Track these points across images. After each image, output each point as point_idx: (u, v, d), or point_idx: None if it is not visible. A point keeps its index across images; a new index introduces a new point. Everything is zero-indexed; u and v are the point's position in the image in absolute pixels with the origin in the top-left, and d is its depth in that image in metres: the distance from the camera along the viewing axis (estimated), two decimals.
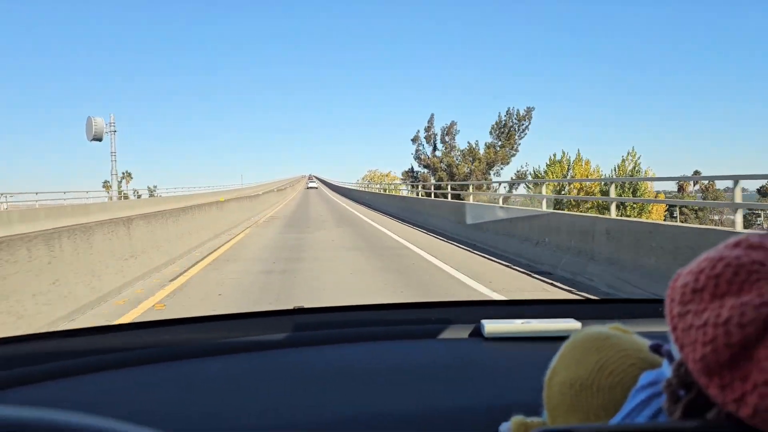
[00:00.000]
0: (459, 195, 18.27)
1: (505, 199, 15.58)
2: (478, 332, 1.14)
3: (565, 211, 10.83)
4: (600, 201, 17.38)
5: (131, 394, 0.90)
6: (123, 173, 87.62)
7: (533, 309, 1.33)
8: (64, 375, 0.94)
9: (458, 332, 1.15)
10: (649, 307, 1.31)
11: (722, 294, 0.43)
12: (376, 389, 0.90)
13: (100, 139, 35.18)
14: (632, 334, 0.63)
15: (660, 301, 1.41)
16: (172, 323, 1.17)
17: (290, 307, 1.33)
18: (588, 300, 1.56)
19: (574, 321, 1.12)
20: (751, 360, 0.40)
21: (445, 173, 33.92)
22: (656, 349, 0.54)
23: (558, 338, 1.09)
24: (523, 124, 32.73)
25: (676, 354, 0.47)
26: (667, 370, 0.50)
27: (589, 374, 0.58)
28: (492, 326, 1.10)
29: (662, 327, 1.17)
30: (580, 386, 0.58)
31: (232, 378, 0.96)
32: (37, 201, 26.62)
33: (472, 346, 1.09)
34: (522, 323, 1.11)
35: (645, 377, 0.53)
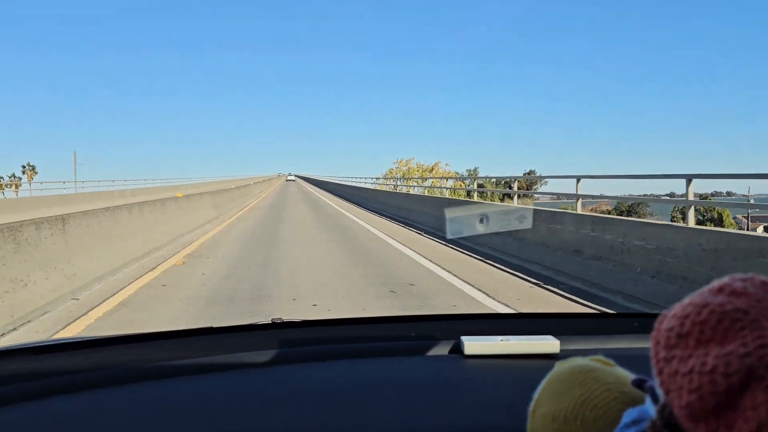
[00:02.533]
0: None
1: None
2: (458, 348, 1.14)
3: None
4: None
5: (88, 420, 0.85)
6: (24, 166, 77.40)
7: (512, 323, 1.34)
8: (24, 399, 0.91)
9: (438, 349, 1.16)
10: (625, 323, 1.32)
11: (707, 341, 0.43)
12: (356, 410, 0.90)
13: None
14: (615, 366, 0.63)
15: (638, 316, 1.43)
16: (130, 340, 1.12)
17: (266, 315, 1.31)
18: (568, 314, 1.58)
19: (553, 339, 1.13)
20: (736, 408, 0.40)
21: None
22: (639, 384, 0.55)
23: (537, 356, 1.11)
24: None
25: (660, 394, 0.47)
26: (650, 407, 0.51)
27: (573, 407, 0.58)
28: (471, 344, 1.11)
29: (638, 343, 1.20)
30: (563, 419, 0.58)
31: (202, 401, 0.93)
32: None
33: (452, 364, 1.09)
34: (501, 341, 1.12)
35: (629, 414, 0.53)
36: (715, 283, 0.47)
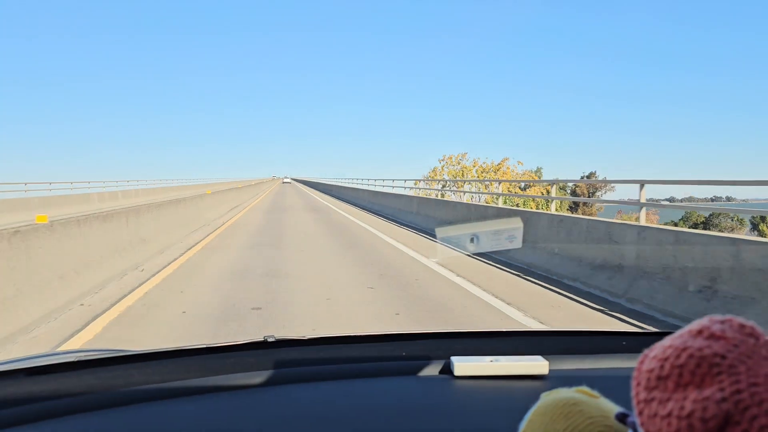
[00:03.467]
0: None
1: None
2: (448, 369, 1.15)
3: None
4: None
5: None
6: None
7: (502, 341, 1.35)
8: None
9: (429, 369, 1.17)
10: (613, 341, 1.34)
11: (686, 384, 0.44)
12: None
13: None
14: (599, 398, 0.64)
15: (625, 335, 1.44)
16: (118, 362, 1.11)
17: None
18: (556, 332, 1.59)
19: (541, 359, 1.14)
20: None
21: None
22: (622, 418, 0.56)
23: (527, 377, 1.12)
24: None
25: (640, 431, 0.49)
26: None
27: None
28: (461, 365, 1.12)
29: (626, 363, 1.21)
30: None
31: (194, 423, 0.93)
32: None
33: (442, 386, 1.10)
34: (491, 361, 1.13)
35: None
36: (694, 326, 0.48)
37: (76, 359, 1.11)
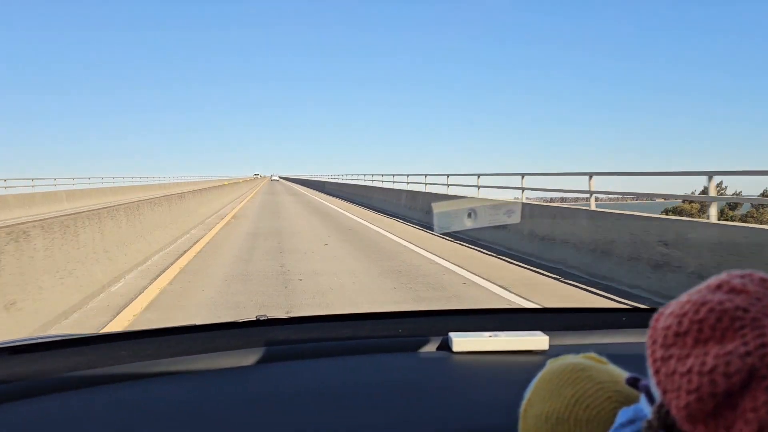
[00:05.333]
0: None
1: None
2: (446, 345, 1.13)
3: None
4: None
5: (63, 424, 0.82)
6: None
7: (501, 318, 1.32)
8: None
9: (427, 345, 1.14)
10: (613, 317, 1.32)
11: (706, 339, 0.42)
12: (344, 409, 0.88)
13: None
14: (608, 364, 0.62)
15: (624, 311, 1.42)
16: (108, 339, 1.08)
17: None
18: (556, 309, 1.57)
19: (541, 334, 1.12)
20: (735, 409, 0.39)
21: None
22: (633, 383, 0.53)
23: (526, 352, 1.10)
24: None
25: (656, 393, 0.46)
26: (645, 407, 0.49)
27: (566, 407, 0.57)
28: (460, 341, 1.09)
29: (627, 338, 1.19)
30: (556, 419, 0.57)
31: (184, 402, 0.90)
32: None
33: (440, 362, 1.08)
34: (489, 337, 1.10)
35: (623, 414, 0.52)
36: (713, 280, 0.46)
37: (63, 338, 1.08)
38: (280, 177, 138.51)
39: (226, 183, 28.68)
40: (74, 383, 0.95)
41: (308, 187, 54.99)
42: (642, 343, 0.48)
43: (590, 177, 9.10)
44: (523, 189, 11.41)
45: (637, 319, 1.28)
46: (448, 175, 16.41)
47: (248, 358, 1.07)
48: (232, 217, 16.48)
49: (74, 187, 33.48)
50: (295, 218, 16.45)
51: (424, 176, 18.40)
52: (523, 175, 11.50)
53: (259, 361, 1.07)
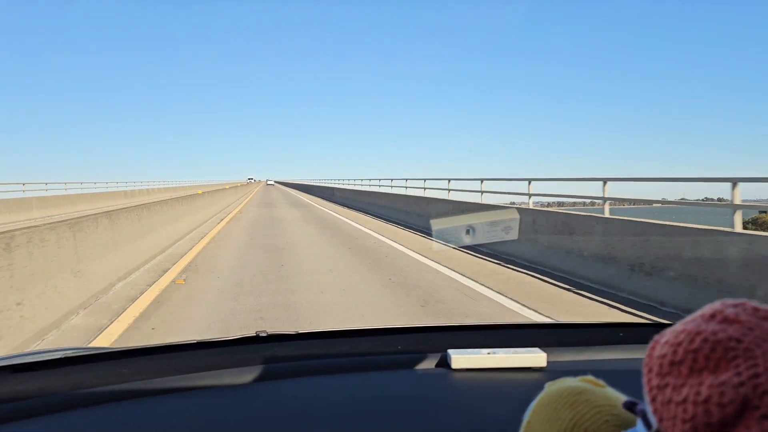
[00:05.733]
0: None
1: None
2: (445, 362, 1.13)
3: None
4: None
5: None
6: None
7: (499, 334, 1.33)
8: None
9: (426, 362, 1.15)
10: (610, 333, 1.33)
11: (701, 369, 0.43)
12: (343, 428, 0.89)
13: None
14: (605, 387, 0.63)
15: (622, 326, 1.43)
16: (107, 357, 1.08)
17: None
18: (553, 324, 1.58)
19: (539, 351, 1.13)
20: None
21: None
22: (630, 407, 0.54)
23: (524, 369, 1.11)
24: None
25: (652, 419, 0.47)
26: (641, 431, 0.50)
27: (564, 431, 0.58)
28: (458, 358, 1.10)
29: (624, 354, 1.20)
30: None
31: (185, 420, 0.91)
32: None
33: (439, 379, 1.08)
34: (488, 354, 1.11)
35: None
36: (707, 309, 0.47)
37: (63, 356, 1.08)
38: (275, 182, 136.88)
39: (199, 192, 20.87)
40: (76, 402, 0.95)
41: (311, 194, 46.99)
42: (640, 359, 0.49)
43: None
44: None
45: (635, 334, 1.29)
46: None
47: (248, 375, 1.08)
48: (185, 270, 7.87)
49: (40, 193, 28.93)
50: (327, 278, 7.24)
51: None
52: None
53: (259, 379, 1.08)
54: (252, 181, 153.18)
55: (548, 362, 1.12)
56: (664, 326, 0.49)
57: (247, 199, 35.29)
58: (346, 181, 38.04)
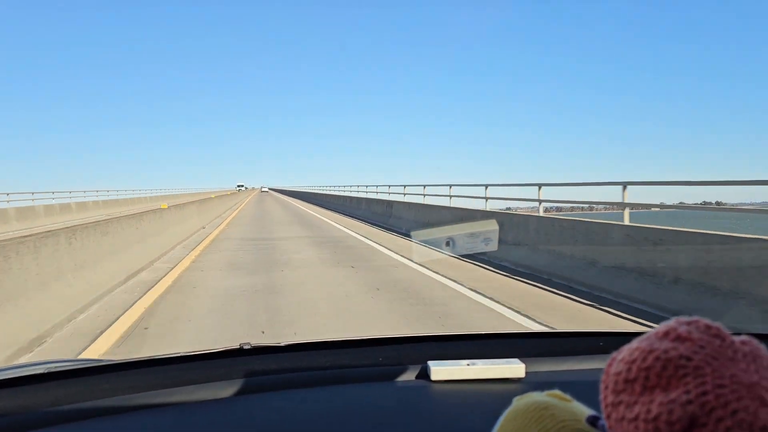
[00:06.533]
0: None
1: None
2: (425, 373, 1.14)
3: None
4: None
5: None
6: None
7: (479, 344, 1.34)
8: None
9: (406, 374, 1.16)
10: (589, 342, 1.34)
11: (652, 387, 0.44)
12: None
13: None
14: (571, 402, 0.64)
15: (602, 335, 1.44)
16: (80, 374, 1.07)
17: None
18: (534, 334, 1.60)
19: (518, 362, 1.14)
20: None
21: None
22: (593, 421, 0.55)
23: (503, 380, 1.11)
24: None
25: None
26: None
27: None
28: (438, 369, 1.11)
29: (603, 363, 1.20)
30: None
31: None
32: None
33: (419, 391, 1.09)
34: (467, 365, 1.12)
35: None
36: (662, 327, 0.48)
37: (45, 371, 1.08)
38: (270, 189, 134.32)
39: (163, 206, 14.50)
40: (56, 418, 0.95)
41: (310, 202, 40.43)
42: None
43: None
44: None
45: (615, 343, 1.30)
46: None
47: (229, 389, 1.08)
48: None
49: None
50: None
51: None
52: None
53: (240, 392, 1.08)
54: (242, 188, 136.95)
55: (527, 373, 1.13)
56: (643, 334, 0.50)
57: (234, 213, 26.73)
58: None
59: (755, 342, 0.46)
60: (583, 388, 0.74)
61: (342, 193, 33.83)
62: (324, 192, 44.59)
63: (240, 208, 33.84)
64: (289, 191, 75.28)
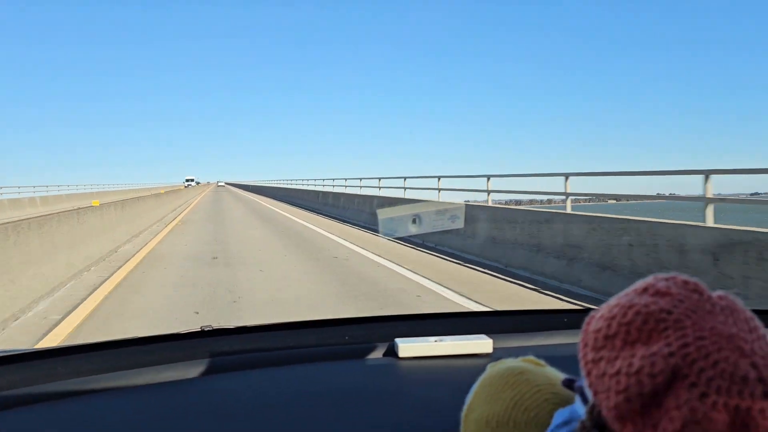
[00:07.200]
0: None
1: None
2: (392, 351, 1.13)
3: None
4: None
5: None
6: None
7: (446, 323, 1.34)
8: None
9: (374, 352, 1.14)
10: (555, 319, 1.35)
11: (633, 342, 0.44)
12: (289, 419, 0.87)
13: None
14: (545, 366, 0.64)
15: (566, 312, 1.46)
16: (42, 356, 1.03)
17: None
18: (500, 312, 1.61)
19: (485, 338, 1.14)
20: (660, 408, 0.41)
21: None
22: (568, 384, 0.55)
23: (471, 355, 1.11)
24: None
25: (589, 394, 0.48)
26: (579, 407, 0.51)
27: (505, 410, 0.58)
28: (405, 346, 1.10)
29: (569, 339, 1.22)
30: (496, 423, 0.58)
31: (126, 418, 0.87)
32: None
33: (387, 368, 1.08)
34: (435, 341, 1.12)
35: (559, 415, 0.53)
36: (640, 283, 0.48)
37: None
38: (226, 183, 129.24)
39: (95, 202, 12.67)
40: (10, 402, 0.91)
41: (277, 199, 33.62)
42: None
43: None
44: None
45: (578, 319, 1.32)
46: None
47: (192, 370, 1.05)
48: None
49: None
50: None
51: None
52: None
53: (204, 373, 1.05)
54: (192, 184, 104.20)
55: (494, 348, 1.13)
56: None
57: (169, 227, 15.89)
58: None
59: (731, 296, 0.46)
60: (552, 362, 0.74)
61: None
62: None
63: (191, 207, 25.40)
64: (253, 186, 71.97)
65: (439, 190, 13.26)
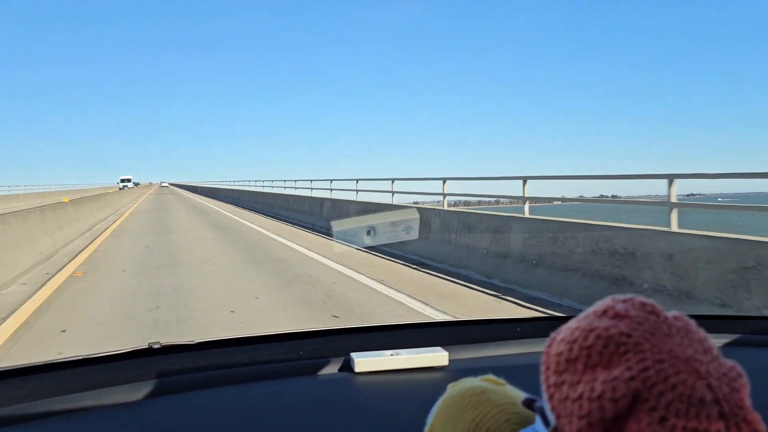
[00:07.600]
0: None
1: None
2: (348, 366, 1.12)
3: None
4: None
5: None
6: None
7: (402, 335, 1.34)
8: None
9: (329, 367, 1.13)
10: (507, 328, 1.37)
11: (594, 365, 0.44)
12: None
13: None
14: (505, 386, 0.64)
15: (519, 321, 1.48)
16: None
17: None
18: (454, 322, 1.62)
19: (441, 350, 1.14)
20: None
21: None
22: (529, 404, 0.55)
23: (427, 369, 1.11)
24: None
25: (550, 416, 0.48)
26: (540, 428, 0.51)
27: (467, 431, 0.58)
28: (361, 361, 1.09)
29: (521, 349, 1.24)
30: None
31: None
32: None
33: (343, 383, 1.07)
34: (391, 355, 1.11)
35: None
36: (599, 306, 0.48)
37: None
38: (170, 184, 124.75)
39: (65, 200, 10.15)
40: None
41: (237, 205, 29.09)
42: (537, 353, 0.49)
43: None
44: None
45: (530, 328, 1.34)
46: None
47: (139, 391, 1.00)
48: None
49: None
50: None
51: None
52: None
53: (152, 395, 1.01)
54: (129, 185, 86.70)
55: (450, 360, 1.13)
56: (559, 319, 0.50)
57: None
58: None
59: (686, 317, 0.47)
60: (507, 373, 0.74)
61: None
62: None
63: (117, 225, 17.69)
64: (200, 188, 68.17)
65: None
